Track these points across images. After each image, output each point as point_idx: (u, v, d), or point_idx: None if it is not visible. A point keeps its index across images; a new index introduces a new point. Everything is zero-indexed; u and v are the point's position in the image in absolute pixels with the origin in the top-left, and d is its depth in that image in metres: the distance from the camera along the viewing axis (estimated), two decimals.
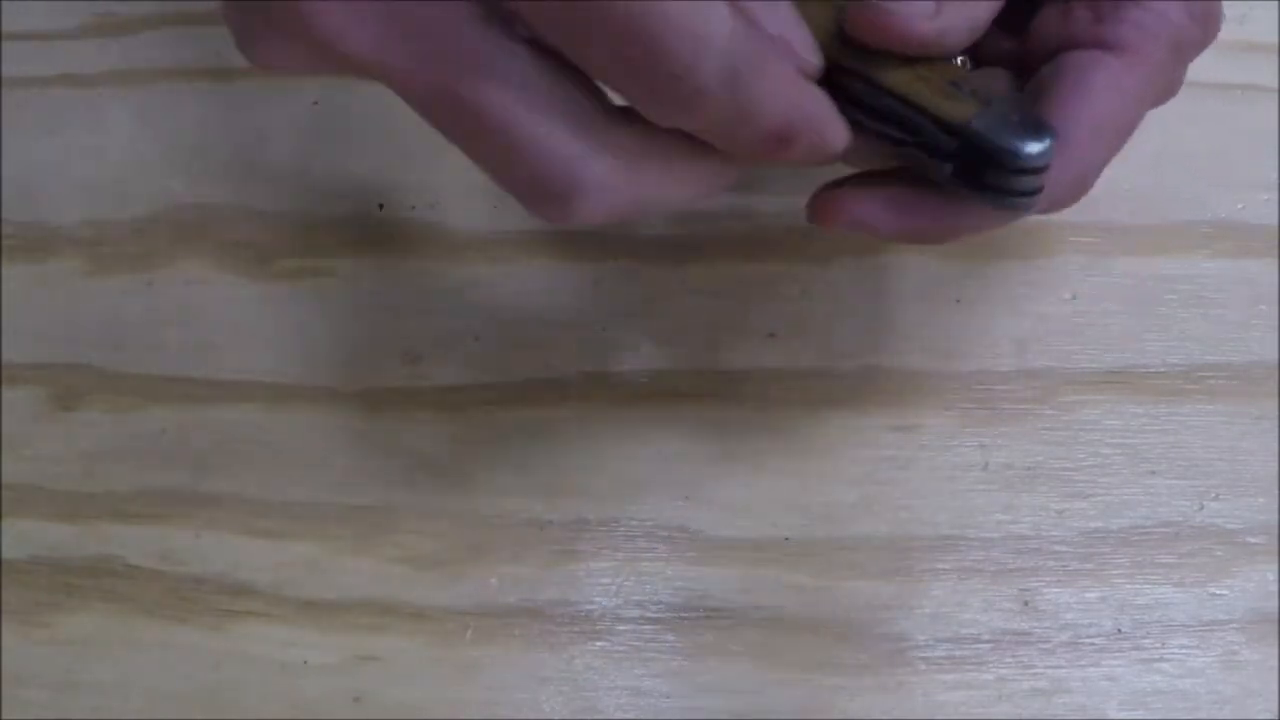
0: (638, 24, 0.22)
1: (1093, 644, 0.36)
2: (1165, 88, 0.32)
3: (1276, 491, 0.38)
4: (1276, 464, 0.38)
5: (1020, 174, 0.28)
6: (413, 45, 0.24)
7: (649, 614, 0.37)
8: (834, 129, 0.27)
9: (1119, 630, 0.36)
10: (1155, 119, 0.41)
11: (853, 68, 0.28)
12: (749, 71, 0.24)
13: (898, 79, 0.28)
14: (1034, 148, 0.27)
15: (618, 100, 0.25)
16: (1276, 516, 0.37)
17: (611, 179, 0.25)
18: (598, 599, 0.37)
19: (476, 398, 0.39)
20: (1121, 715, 0.36)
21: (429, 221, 0.41)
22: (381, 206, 0.41)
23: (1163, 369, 0.39)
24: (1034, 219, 0.40)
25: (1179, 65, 0.31)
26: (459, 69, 0.24)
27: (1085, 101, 0.29)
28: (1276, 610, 0.36)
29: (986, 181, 0.28)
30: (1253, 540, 0.37)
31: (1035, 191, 0.28)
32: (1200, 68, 0.42)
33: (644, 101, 0.25)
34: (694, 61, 0.23)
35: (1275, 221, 0.40)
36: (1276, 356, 0.39)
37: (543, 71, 0.24)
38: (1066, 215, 0.40)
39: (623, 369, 0.39)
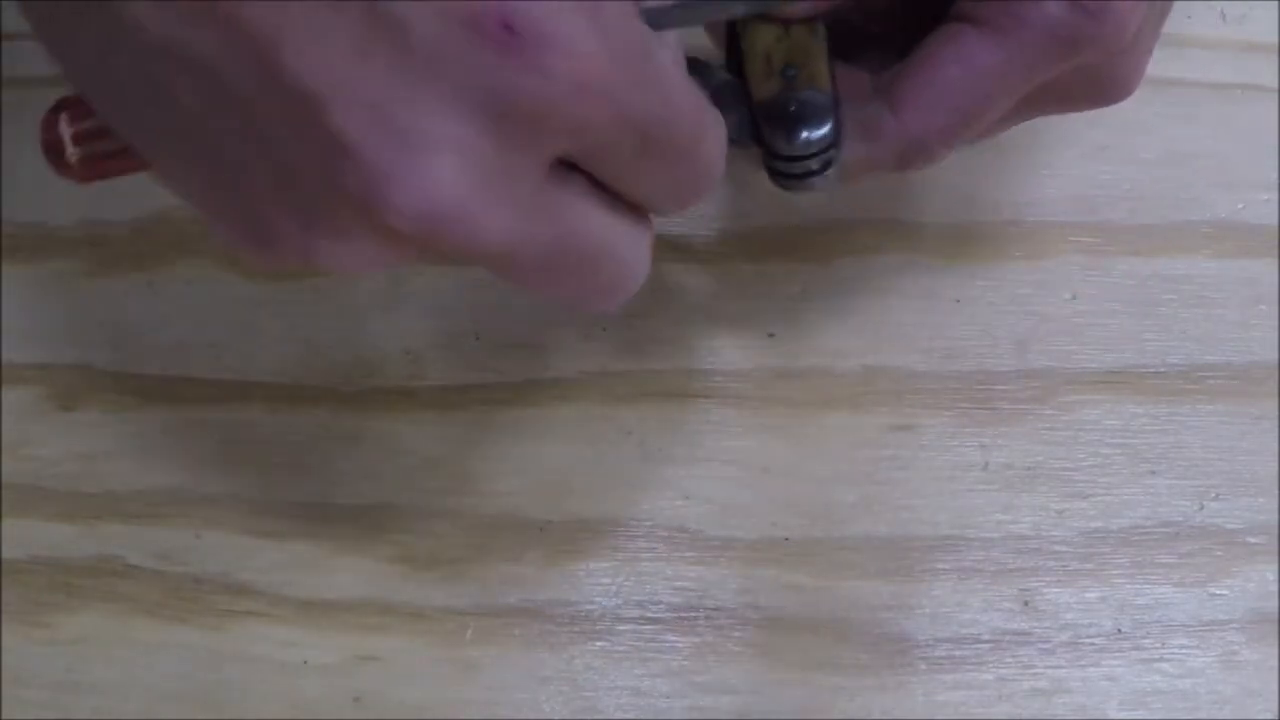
0: (691, 164, 0.25)
1: (1093, 644, 0.36)
2: (1066, 80, 0.30)
3: (1276, 491, 0.37)
4: (1276, 464, 0.38)
5: (780, 159, 0.29)
6: (531, 219, 0.24)
7: (649, 614, 0.36)
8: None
9: (1119, 630, 0.36)
10: (1155, 119, 0.41)
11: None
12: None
13: (762, 43, 0.30)
14: (784, 138, 0.29)
15: None
16: (1276, 516, 0.37)
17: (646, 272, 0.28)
18: (598, 599, 0.37)
19: (476, 398, 0.39)
20: (1121, 715, 0.36)
21: None
22: None
23: (1163, 369, 0.39)
24: (1034, 219, 0.40)
25: (1066, 56, 0.29)
26: (571, 227, 0.25)
27: (925, 67, 0.30)
28: (1276, 610, 0.36)
29: (768, 165, 0.30)
30: (1253, 540, 0.37)
31: (805, 175, 0.29)
32: (1200, 68, 0.42)
33: (668, 206, 0.27)
34: (708, 184, 0.26)
35: (1275, 221, 0.40)
36: (1276, 356, 0.39)
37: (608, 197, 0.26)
38: (1066, 215, 0.40)
39: (622, 369, 0.39)
